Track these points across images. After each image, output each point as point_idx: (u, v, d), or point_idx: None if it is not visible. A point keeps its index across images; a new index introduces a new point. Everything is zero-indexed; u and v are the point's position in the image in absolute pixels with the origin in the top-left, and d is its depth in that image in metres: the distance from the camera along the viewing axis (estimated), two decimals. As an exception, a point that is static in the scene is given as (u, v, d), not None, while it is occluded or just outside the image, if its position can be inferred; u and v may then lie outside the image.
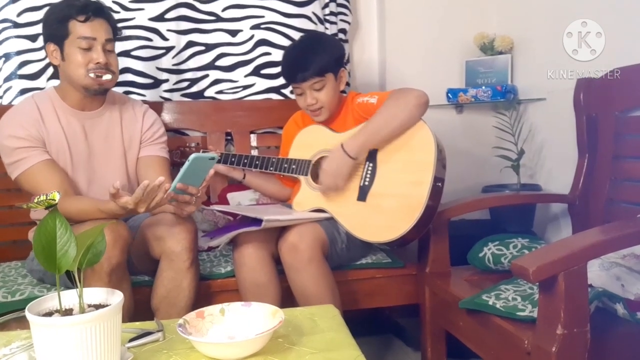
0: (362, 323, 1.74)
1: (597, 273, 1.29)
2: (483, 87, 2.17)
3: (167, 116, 2.03)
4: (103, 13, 1.52)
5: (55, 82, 1.93)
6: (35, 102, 1.54)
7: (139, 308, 1.46)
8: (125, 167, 1.64)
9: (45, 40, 1.53)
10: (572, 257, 1.07)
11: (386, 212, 1.58)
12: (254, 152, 2.09)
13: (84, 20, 1.47)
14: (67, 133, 1.54)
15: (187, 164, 1.28)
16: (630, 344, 1.19)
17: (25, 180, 1.48)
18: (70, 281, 0.89)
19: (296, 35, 2.12)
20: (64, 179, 1.50)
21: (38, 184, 1.44)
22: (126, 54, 2.02)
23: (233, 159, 1.78)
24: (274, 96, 2.17)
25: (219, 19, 2.12)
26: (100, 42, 1.49)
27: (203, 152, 1.82)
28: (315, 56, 1.66)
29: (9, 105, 1.92)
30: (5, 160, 1.50)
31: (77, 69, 1.48)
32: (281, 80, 2.12)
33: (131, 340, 1.04)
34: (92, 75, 1.49)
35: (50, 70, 1.96)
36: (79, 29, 1.47)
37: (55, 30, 1.49)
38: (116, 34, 1.56)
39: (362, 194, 1.62)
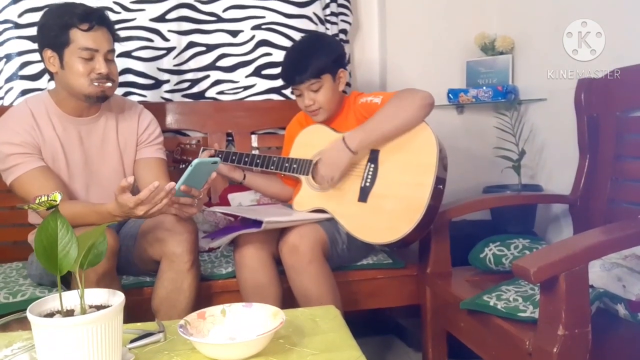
0: (363, 324, 1.74)
1: (598, 274, 1.29)
2: (484, 88, 2.17)
3: (168, 117, 2.04)
4: (105, 21, 1.48)
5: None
6: (29, 107, 1.51)
7: (140, 309, 1.46)
8: (122, 170, 1.63)
9: (42, 46, 1.47)
10: (573, 258, 1.06)
11: (387, 213, 1.58)
12: (255, 153, 2.09)
13: (87, 29, 1.43)
14: (63, 140, 1.52)
15: (190, 168, 1.29)
16: (631, 345, 1.18)
17: (19, 186, 1.46)
18: (66, 285, 0.89)
19: (297, 36, 2.12)
20: (58, 186, 1.47)
21: (32, 190, 1.41)
22: (127, 54, 2.02)
23: (234, 157, 1.77)
24: (275, 97, 2.17)
25: (219, 19, 2.13)
26: (102, 52, 1.46)
27: (204, 149, 1.82)
28: (311, 58, 1.66)
29: (9, 107, 1.93)
30: (0, 166, 1.48)
31: (78, 79, 1.45)
32: (282, 81, 2.12)
33: (132, 341, 1.05)
34: (95, 83, 1.46)
35: (51, 71, 1.97)
36: (81, 39, 1.43)
37: (54, 37, 1.44)
38: (117, 41, 1.54)
39: (363, 195, 1.62)
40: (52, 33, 1.45)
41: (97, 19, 1.45)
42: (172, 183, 1.29)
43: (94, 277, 1.33)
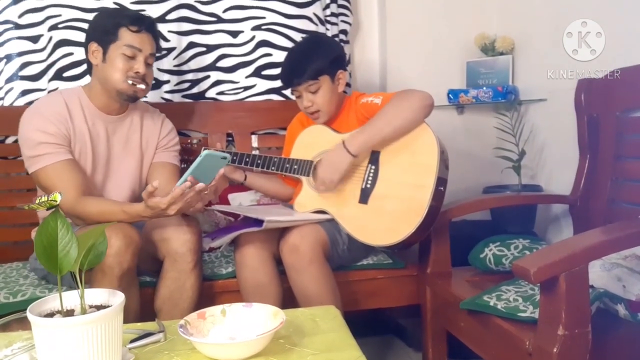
0: (364, 324, 1.74)
1: (599, 274, 1.29)
2: (484, 88, 2.17)
3: (168, 117, 2.03)
4: (153, 29, 1.56)
5: (57, 84, 1.96)
6: (63, 99, 1.54)
7: (141, 309, 1.46)
8: (140, 171, 1.66)
9: (89, 40, 1.54)
10: (573, 258, 1.06)
11: (388, 215, 1.58)
12: (255, 153, 2.08)
13: (136, 31, 1.50)
14: (92, 134, 1.56)
15: (199, 158, 1.28)
16: (631, 345, 1.18)
17: (45, 176, 1.46)
18: (74, 281, 0.89)
19: (297, 36, 2.12)
20: (84, 180, 1.50)
21: (58, 181, 1.44)
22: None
23: (235, 158, 1.78)
24: (275, 97, 2.17)
25: (220, 20, 2.13)
26: (145, 54, 1.52)
27: (204, 149, 1.82)
28: (309, 59, 1.66)
29: (11, 107, 1.94)
30: (27, 152, 1.48)
31: (115, 73, 1.50)
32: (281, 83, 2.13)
33: (132, 341, 1.05)
34: (129, 82, 1.51)
35: (52, 71, 1.97)
36: (129, 37, 1.50)
37: (103, 32, 1.51)
38: (158, 51, 1.60)
39: (364, 197, 1.62)
40: (102, 28, 1.51)
41: (147, 25, 1.53)
42: (202, 184, 1.31)
43: (119, 272, 1.34)
